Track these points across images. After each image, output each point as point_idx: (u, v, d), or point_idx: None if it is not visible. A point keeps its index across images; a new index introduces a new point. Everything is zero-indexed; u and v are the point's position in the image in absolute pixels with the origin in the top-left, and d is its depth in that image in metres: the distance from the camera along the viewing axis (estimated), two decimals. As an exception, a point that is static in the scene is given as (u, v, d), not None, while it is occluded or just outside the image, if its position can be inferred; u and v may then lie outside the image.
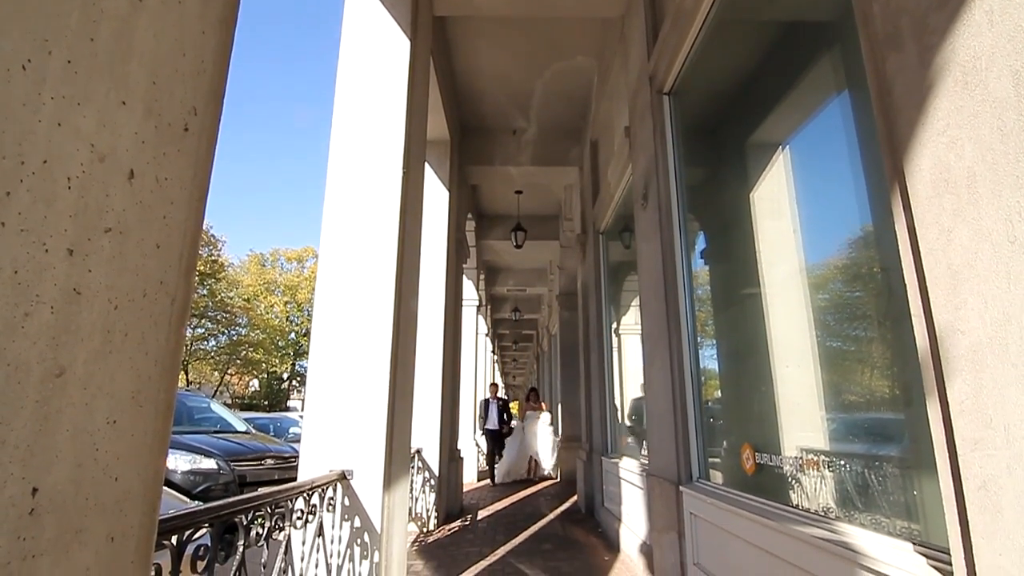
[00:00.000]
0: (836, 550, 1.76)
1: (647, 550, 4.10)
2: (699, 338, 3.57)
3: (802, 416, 2.76)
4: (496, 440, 10.66)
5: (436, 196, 6.54)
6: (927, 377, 1.32)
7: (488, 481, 10.30)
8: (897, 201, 1.44)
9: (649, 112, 4.00)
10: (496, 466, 10.48)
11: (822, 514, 2.12)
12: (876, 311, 2.34)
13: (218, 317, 33.47)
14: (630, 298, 6.75)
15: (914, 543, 1.57)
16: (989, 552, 1.13)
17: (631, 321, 6.96)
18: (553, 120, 7.39)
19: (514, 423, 11.12)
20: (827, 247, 2.78)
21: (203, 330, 33.29)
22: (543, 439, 10.88)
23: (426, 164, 4.64)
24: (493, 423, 10.66)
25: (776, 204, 3.13)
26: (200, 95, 1.11)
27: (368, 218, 3.52)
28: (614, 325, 7.00)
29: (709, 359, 3.72)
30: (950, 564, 1.28)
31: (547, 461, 10.83)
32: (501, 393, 13.41)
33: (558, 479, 10.35)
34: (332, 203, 3.54)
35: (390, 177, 3.59)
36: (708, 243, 4.05)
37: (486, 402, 11.15)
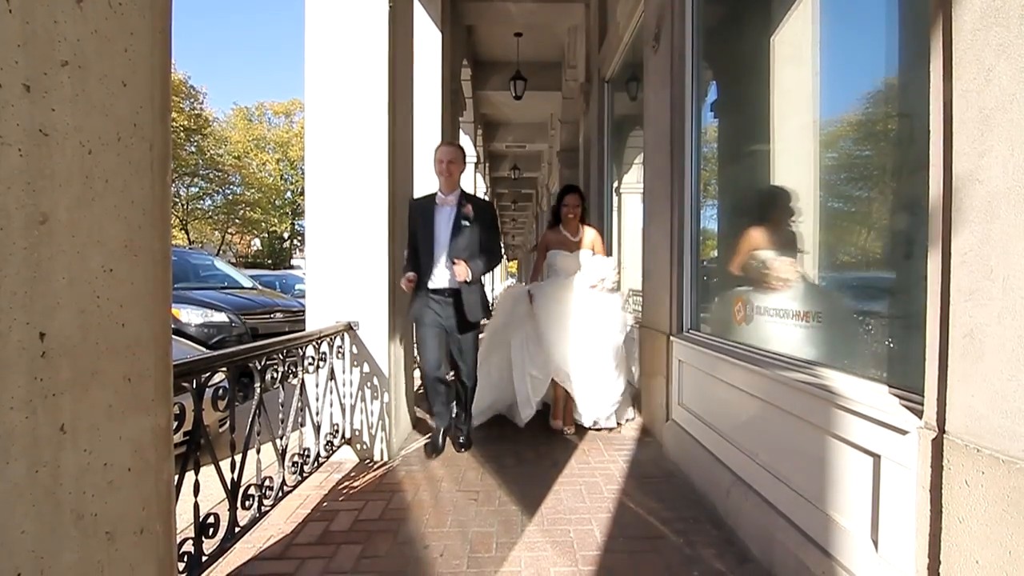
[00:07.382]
0: (814, 391, 1.88)
1: (635, 392, 4.44)
2: (701, 196, 3.51)
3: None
4: (458, 319, 3.33)
5: (427, 38, 5.99)
6: (933, 228, 1.31)
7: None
8: (937, 36, 1.31)
9: (668, -66, 3.51)
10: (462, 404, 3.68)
11: (803, 362, 2.24)
12: (884, 170, 2.26)
13: (210, 175, 32.69)
14: (633, 155, 6.53)
15: (889, 385, 1.67)
16: (963, 393, 1.21)
17: (633, 180, 6.81)
18: (557, -54, 6.53)
19: (510, 282, 5.01)
20: (845, 99, 2.61)
21: (197, 189, 32.75)
22: (603, 324, 3.92)
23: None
24: (445, 275, 3.27)
25: (797, 49, 2.89)
26: None
27: (354, 60, 3.24)
28: (615, 184, 6.87)
29: (710, 219, 3.69)
30: (922, 404, 1.38)
31: (611, 383, 3.92)
32: (480, 186, 5.08)
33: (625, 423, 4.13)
34: (314, 45, 3.24)
35: (374, 11, 3.25)
36: (720, 93, 3.80)
37: (424, 206, 3.36)
